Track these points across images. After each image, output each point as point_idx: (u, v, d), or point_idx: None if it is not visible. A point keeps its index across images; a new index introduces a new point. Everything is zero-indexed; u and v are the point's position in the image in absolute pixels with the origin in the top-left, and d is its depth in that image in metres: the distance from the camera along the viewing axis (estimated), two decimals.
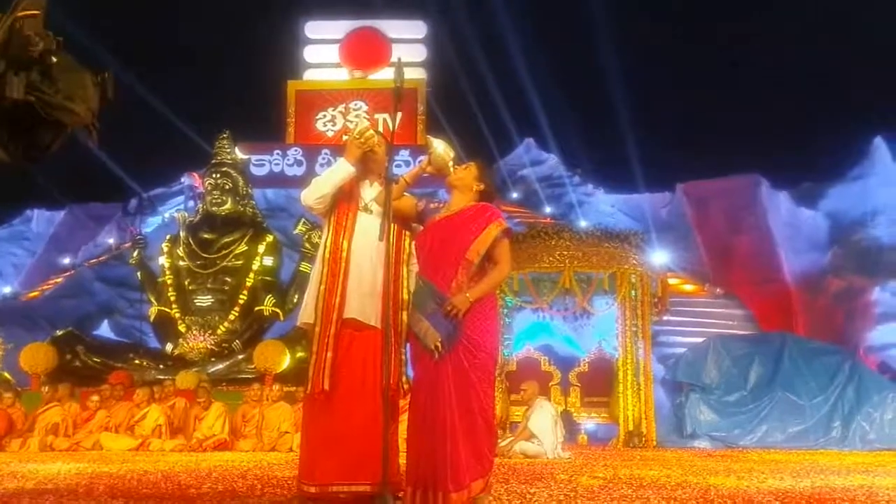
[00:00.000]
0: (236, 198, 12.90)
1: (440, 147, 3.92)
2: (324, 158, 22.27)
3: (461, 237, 3.73)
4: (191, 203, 22.29)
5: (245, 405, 9.99)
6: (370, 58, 24.82)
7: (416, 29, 25.45)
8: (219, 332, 11.93)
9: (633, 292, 11.68)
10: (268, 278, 12.57)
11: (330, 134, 23.97)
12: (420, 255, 3.87)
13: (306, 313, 3.95)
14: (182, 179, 24.92)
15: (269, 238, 12.77)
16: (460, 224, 3.78)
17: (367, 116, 23.36)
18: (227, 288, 12.28)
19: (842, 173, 19.82)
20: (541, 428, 8.52)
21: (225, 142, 13.17)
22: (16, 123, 2.86)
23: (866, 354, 15.29)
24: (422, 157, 4.11)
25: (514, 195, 24.66)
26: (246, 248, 12.50)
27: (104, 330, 18.82)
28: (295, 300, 12.21)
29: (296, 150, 23.10)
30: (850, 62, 27.35)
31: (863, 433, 10.86)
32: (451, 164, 3.93)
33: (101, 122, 3.13)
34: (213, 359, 11.60)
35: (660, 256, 13.34)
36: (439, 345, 3.57)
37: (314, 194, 3.96)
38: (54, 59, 2.84)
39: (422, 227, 3.99)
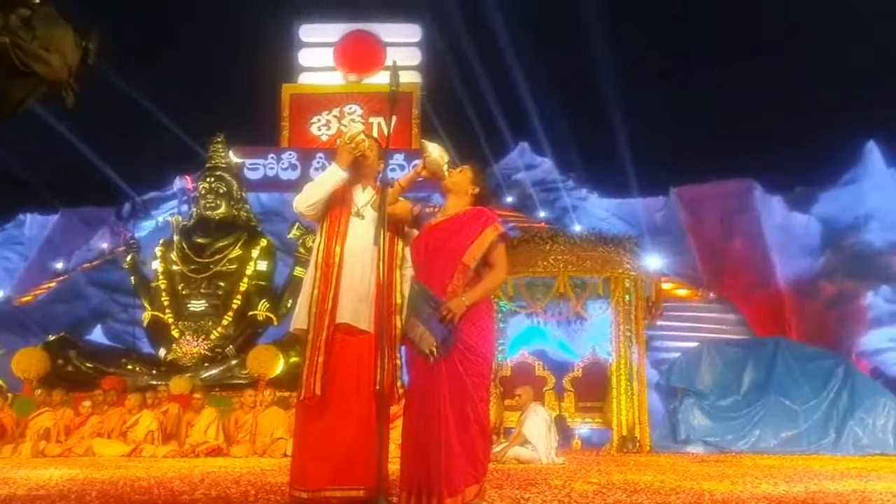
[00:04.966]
0: (230, 202, 12.85)
1: (435, 151, 3.92)
2: (318, 162, 22.30)
3: (457, 241, 3.72)
4: (184, 207, 22.26)
5: (238, 411, 9.93)
6: (365, 61, 24.87)
7: (410, 33, 25.51)
8: (212, 337, 11.87)
9: (627, 297, 11.67)
10: (262, 283, 12.51)
11: (324, 138, 24.01)
12: (415, 260, 3.87)
13: (299, 319, 3.94)
14: (174, 183, 24.88)
15: (264, 242, 12.72)
16: (456, 228, 3.78)
17: (362, 120, 23.41)
18: (220, 293, 12.21)
19: (835, 178, 19.91)
20: (535, 433, 8.50)
21: (219, 145, 13.12)
22: None
23: (859, 359, 15.34)
24: (416, 162, 4.11)
25: (509, 199, 24.68)
26: (240, 252, 12.45)
27: (97, 335, 18.76)
28: (289, 305, 12.16)
29: (290, 154, 23.13)
30: (843, 67, 27.51)
31: (856, 438, 10.87)
32: (445, 168, 3.92)
33: (80, 86, 3.05)
34: (206, 364, 11.52)
35: (654, 261, 13.34)
36: (434, 349, 3.56)
37: (306, 201, 3.96)
38: (37, 0, 2.77)
39: (416, 232, 3.98)
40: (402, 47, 24.72)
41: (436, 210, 4.04)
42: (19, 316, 19.01)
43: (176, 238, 12.59)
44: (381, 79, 23.99)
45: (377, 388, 3.63)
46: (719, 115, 28.26)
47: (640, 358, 11.69)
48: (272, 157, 23.00)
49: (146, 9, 30.67)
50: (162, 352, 12.05)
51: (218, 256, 12.41)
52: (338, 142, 4.38)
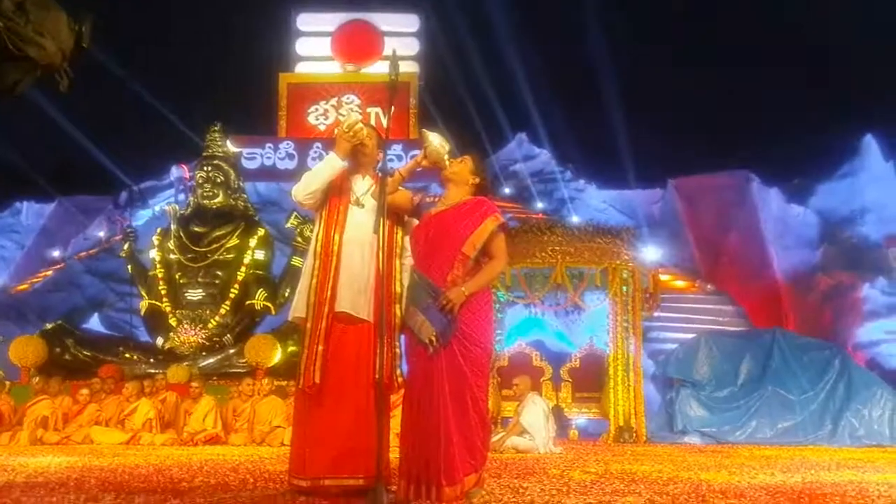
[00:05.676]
0: (228, 191, 12.82)
1: (436, 140, 3.91)
2: (315, 152, 22.24)
3: (457, 231, 3.72)
4: (181, 196, 22.19)
5: (236, 399, 9.95)
6: (362, 51, 24.75)
7: (408, 22, 25.39)
8: (210, 325, 11.86)
9: (624, 288, 11.69)
10: (259, 272, 12.49)
11: (322, 127, 23.92)
12: (415, 249, 3.86)
13: (298, 308, 3.94)
14: (171, 172, 24.80)
15: (261, 232, 12.70)
16: (456, 218, 3.77)
17: (359, 110, 23.34)
18: (218, 282, 12.20)
19: (832, 170, 19.90)
20: (532, 423, 8.53)
21: (216, 134, 13.08)
22: None
23: (855, 351, 15.35)
24: (415, 152, 4.11)
25: (506, 190, 24.65)
26: (237, 241, 12.43)
27: (94, 323, 18.73)
28: (286, 294, 12.16)
29: (287, 144, 23.05)
30: (841, 60, 27.49)
31: (852, 429, 10.90)
32: (446, 157, 3.92)
33: (74, 71, 3.03)
34: (203, 353, 11.53)
35: (651, 252, 13.34)
36: (434, 339, 3.56)
37: (304, 190, 3.95)
38: None
39: (416, 222, 3.98)
40: (400, 37, 24.60)
41: (436, 199, 4.03)
42: (16, 304, 18.98)
43: (173, 227, 12.57)
44: (378, 68, 23.90)
45: (376, 377, 3.63)
46: (717, 107, 28.25)
47: (637, 349, 11.71)
48: (269, 147, 22.92)
49: None
50: (159, 340, 12.05)
51: (215, 245, 12.39)
52: (335, 131, 4.37)
